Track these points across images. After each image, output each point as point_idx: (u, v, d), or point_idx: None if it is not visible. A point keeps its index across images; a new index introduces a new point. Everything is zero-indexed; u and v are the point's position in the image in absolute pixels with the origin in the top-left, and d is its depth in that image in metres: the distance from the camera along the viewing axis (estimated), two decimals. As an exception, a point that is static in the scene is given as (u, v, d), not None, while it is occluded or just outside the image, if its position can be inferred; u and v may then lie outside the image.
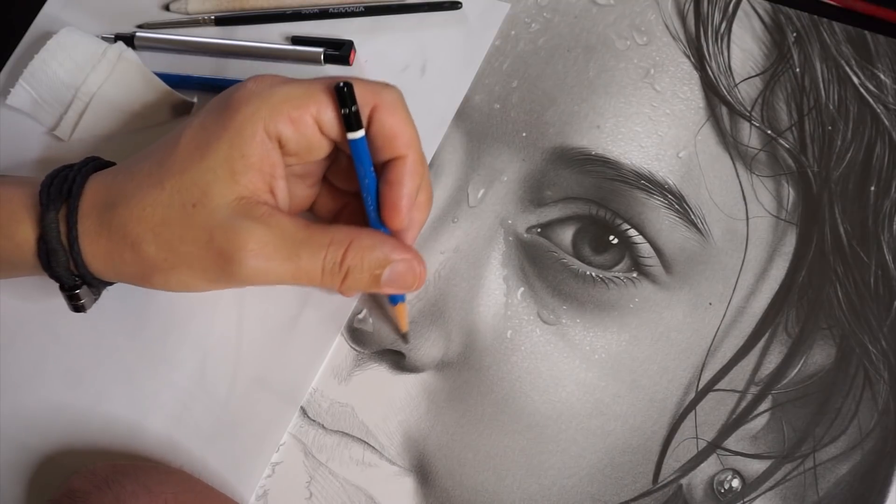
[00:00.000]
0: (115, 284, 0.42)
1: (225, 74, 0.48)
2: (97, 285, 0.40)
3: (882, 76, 0.44)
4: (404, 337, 0.43)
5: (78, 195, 0.38)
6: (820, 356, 0.41)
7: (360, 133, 0.38)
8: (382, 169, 0.39)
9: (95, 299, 0.41)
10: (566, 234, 0.44)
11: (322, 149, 0.39)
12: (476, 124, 0.46)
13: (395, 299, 0.42)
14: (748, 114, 0.45)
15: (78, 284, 0.40)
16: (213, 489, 0.40)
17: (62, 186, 0.39)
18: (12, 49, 0.49)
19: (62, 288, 0.40)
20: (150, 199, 0.37)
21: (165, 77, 0.47)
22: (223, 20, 0.49)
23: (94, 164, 0.40)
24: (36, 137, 0.47)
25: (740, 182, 0.44)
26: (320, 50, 0.47)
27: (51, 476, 0.42)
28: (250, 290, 0.44)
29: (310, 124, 0.37)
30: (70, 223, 0.38)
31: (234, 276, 0.37)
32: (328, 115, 0.37)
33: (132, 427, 0.42)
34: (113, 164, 0.41)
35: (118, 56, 0.46)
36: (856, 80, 0.44)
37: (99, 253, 0.38)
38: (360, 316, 0.44)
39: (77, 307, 0.41)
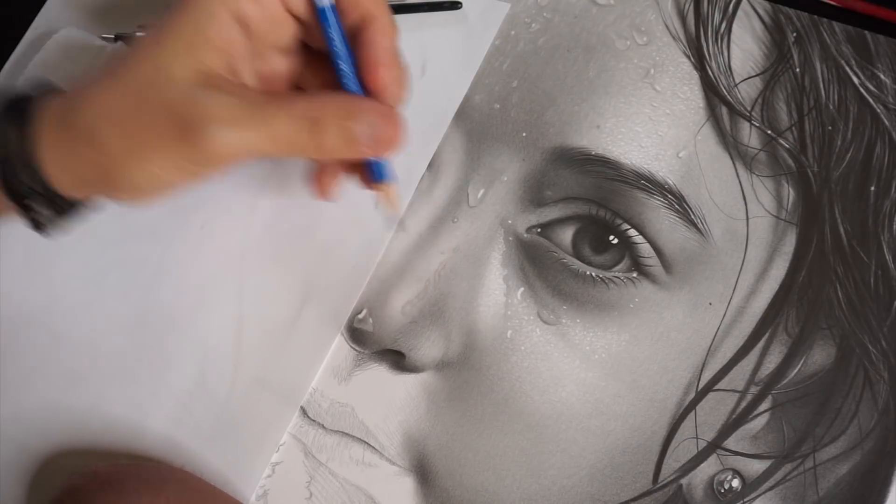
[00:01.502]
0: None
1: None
2: (60, 203, 0.37)
3: (882, 76, 0.44)
4: (398, 222, 0.41)
5: (34, 104, 0.36)
6: (820, 356, 0.41)
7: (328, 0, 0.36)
8: (354, 36, 0.37)
9: (61, 224, 0.38)
10: (566, 234, 0.44)
11: (288, 26, 0.37)
12: (476, 124, 0.46)
13: (380, 175, 0.39)
14: (748, 114, 0.45)
15: (29, 193, 0.36)
16: (216, 488, 0.40)
17: (18, 98, 0.36)
18: (12, 49, 0.49)
19: (14, 198, 0.36)
20: (105, 89, 0.35)
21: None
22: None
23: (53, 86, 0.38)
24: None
25: (740, 182, 0.44)
26: (320, 50, 0.47)
27: (51, 477, 0.42)
28: (250, 289, 0.44)
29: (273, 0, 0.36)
30: (26, 131, 0.35)
31: (204, 152, 0.34)
32: None
33: (132, 427, 0.42)
34: None
35: None
36: (856, 80, 0.44)
37: (58, 158, 0.35)
38: (360, 316, 0.44)
39: (36, 223, 0.38)
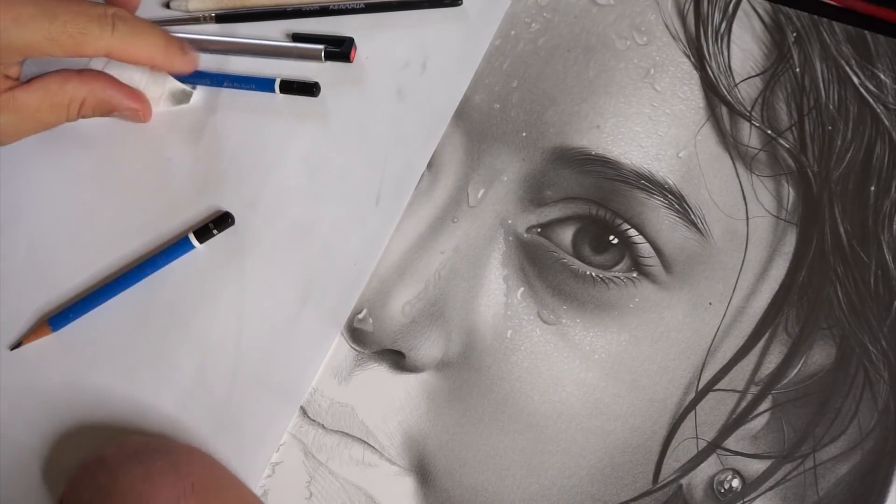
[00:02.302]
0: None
1: (226, 71, 0.48)
2: None
3: (882, 76, 0.44)
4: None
5: None
6: (820, 356, 0.41)
7: None
8: None
9: None
10: (566, 234, 0.44)
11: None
12: (476, 124, 0.46)
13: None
14: (748, 114, 0.45)
15: None
16: (236, 478, 0.40)
17: None
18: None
19: None
20: None
21: (165, 76, 0.47)
22: (224, 17, 0.49)
23: None
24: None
25: (740, 182, 0.44)
26: (321, 47, 0.47)
27: (51, 477, 0.42)
28: (250, 289, 0.44)
29: None
30: None
31: None
32: None
33: (133, 426, 0.42)
34: None
35: None
36: (856, 80, 0.45)
37: None
38: (360, 316, 0.44)
39: None
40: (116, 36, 0.41)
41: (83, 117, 0.45)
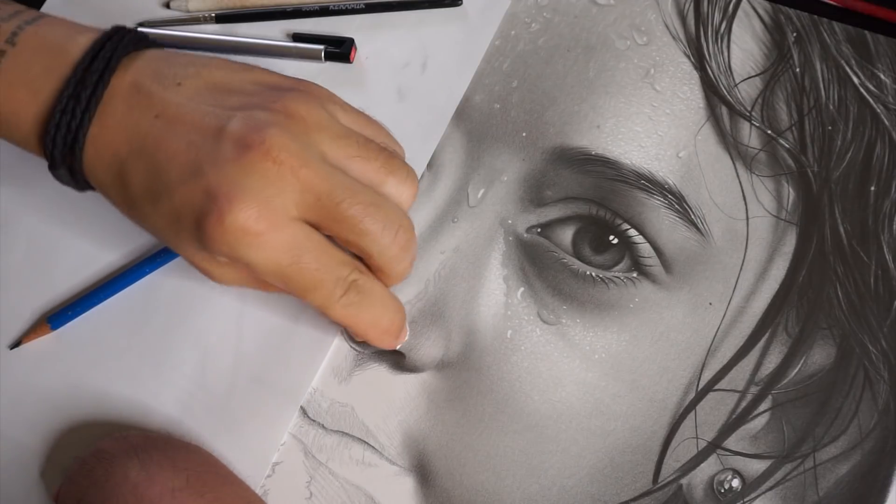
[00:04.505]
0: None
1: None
2: (83, 184, 0.39)
3: (882, 76, 0.44)
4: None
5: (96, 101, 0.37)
6: (820, 356, 0.41)
7: None
8: None
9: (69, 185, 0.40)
10: (566, 234, 0.44)
11: None
12: (476, 124, 0.46)
13: None
14: (748, 114, 0.45)
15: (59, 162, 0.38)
16: (234, 475, 0.40)
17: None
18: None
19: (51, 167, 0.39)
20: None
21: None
22: (224, 17, 0.49)
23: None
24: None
25: (740, 182, 0.44)
26: (321, 47, 0.47)
27: (50, 476, 0.42)
28: (250, 289, 0.44)
29: None
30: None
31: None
32: None
33: (132, 426, 0.42)
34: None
35: None
36: (856, 80, 0.45)
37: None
38: (360, 315, 0.44)
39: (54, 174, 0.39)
40: (340, 303, 0.37)
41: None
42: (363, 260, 0.39)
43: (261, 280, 0.38)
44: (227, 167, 0.35)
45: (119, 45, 0.38)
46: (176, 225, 0.36)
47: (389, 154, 0.39)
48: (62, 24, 0.39)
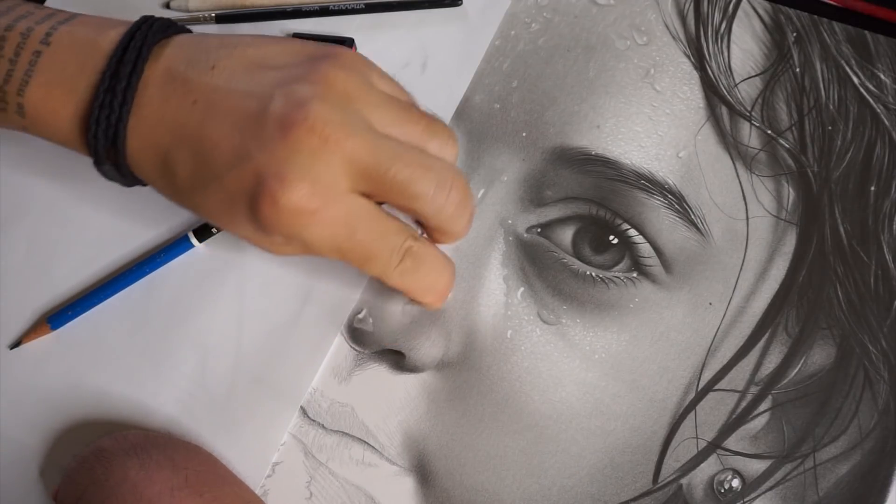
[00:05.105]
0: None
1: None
2: (130, 178, 0.39)
3: (882, 76, 0.44)
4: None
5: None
6: (820, 356, 0.41)
7: None
8: None
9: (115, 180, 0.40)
10: (566, 234, 0.44)
11: None
12: (476, 124, 0.46)
13: None
14: (748, 114, 0.45)
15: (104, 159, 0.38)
16: (234, 474, 0.40)
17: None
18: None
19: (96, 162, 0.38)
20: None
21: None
22: (224, 17, 0.49)
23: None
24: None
25: (740, 182, 0.44)
26: (320, 49, 0.47)
27: (50, 476, 0.42)
28: (250, 289, 0.44)
29: None
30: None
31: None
32: None
33: (132, 426, 0.42)
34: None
35: None
36: (856, 80, 0.45)
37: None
38: (360, 316, 0.44)
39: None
40: (397, 271, 0.37)
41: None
42: (421, 223, 0.39)
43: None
44: (273, 148, 0.34)
45: (148, 33, 0.37)
46: (230, 210, 0.36)
47: (430, 117, 0.39)
48: (94, 21, 0.39)
